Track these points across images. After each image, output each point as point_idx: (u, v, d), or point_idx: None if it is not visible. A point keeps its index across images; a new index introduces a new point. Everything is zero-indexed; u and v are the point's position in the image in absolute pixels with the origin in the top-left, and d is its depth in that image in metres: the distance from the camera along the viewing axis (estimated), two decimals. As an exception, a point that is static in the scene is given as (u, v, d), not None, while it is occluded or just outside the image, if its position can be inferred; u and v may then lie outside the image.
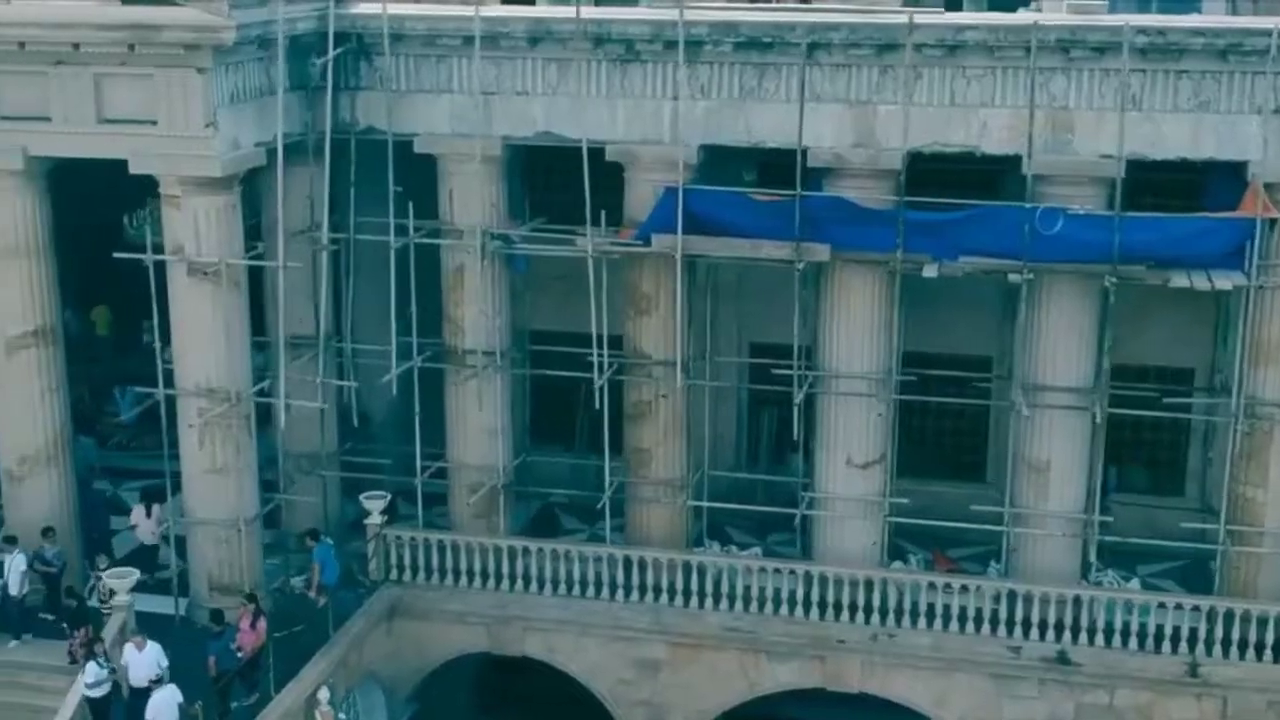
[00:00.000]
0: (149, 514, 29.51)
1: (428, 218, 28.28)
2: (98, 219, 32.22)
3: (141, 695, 23.31)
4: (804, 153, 26.24)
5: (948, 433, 31.60)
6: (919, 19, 25.02)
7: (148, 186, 28.35)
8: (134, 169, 25.59)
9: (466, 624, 28.72)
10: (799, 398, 27.07)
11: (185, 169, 25.27)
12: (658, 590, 28.17)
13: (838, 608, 27.53)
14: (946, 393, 29.07)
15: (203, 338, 26.13)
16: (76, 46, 24.82)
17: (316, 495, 29.41)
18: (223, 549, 27.00)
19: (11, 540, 26.88)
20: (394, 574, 28.86)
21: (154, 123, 25.19)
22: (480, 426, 29.11)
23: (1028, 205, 25.36)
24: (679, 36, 25.68)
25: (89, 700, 23.45)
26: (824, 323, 27.54)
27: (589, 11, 26.18)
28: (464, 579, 28.75)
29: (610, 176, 28.01)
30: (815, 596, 27.58)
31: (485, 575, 28.69)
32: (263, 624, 24.40)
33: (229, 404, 26.24)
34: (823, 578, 27.59)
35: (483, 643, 28.85)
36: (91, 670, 23.40)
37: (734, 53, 26.26)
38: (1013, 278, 25.81)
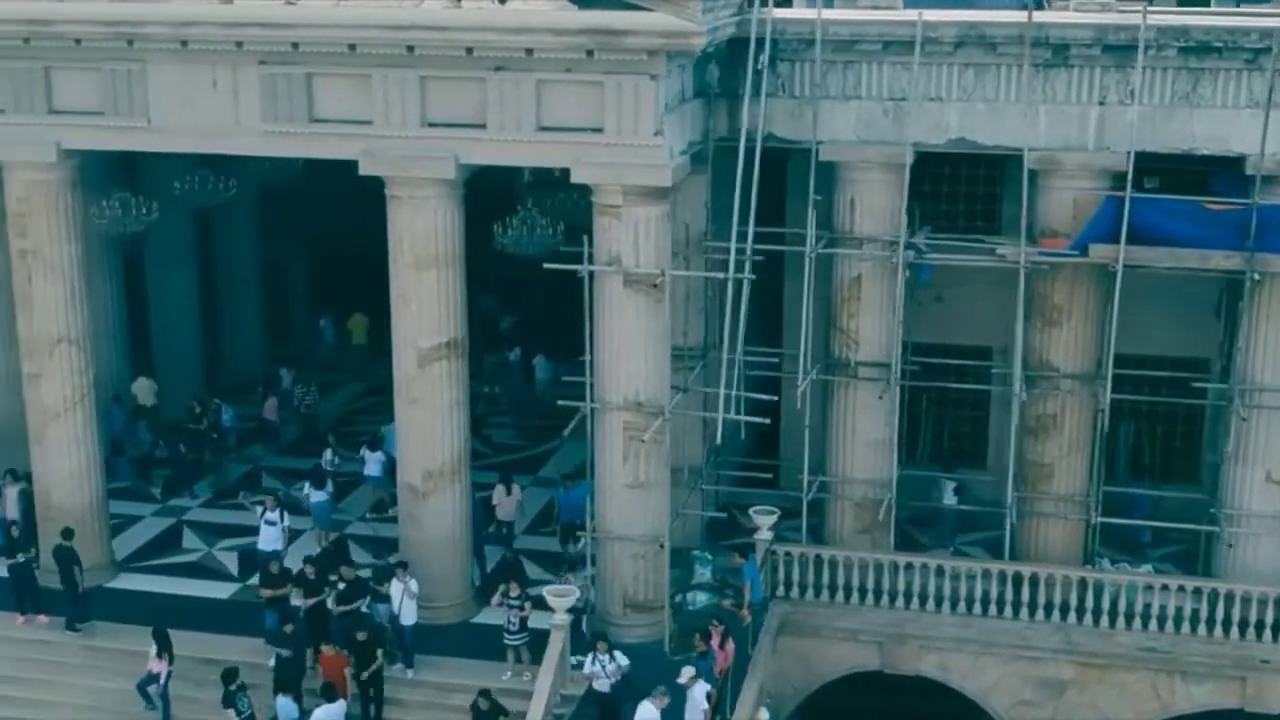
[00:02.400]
0: (509, 492, 29.52)
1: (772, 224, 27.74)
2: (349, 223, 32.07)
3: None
4: (1241, 160, 25.65)
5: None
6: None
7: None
8: (576, 178, 24.84)
9: (859, 642, 27.99)
10: (1241, 410, 26.36)
11: (632, 178, 24.49)
12: (1064, 609, 27.47)
13: (1259, 627, 26.81)
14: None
15: (635, 350, 25.36)
16: (529, 52, 24.02)
17: (698, 508, 28.99)
18: (639, 565, 26.32)
19: (403, 565, 26.28)
20: (780, 590, 28.23)
21: (599, 130, 24.39)
22: (867, 440, 28.41)
23: None
24: (1139, 40, 24.91)
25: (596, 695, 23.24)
26: (1249, 335, 26.75)
27: (1038, 16, 25.46)
28: (854, 596, 28.10)
29: (992, 184, 27.68)
30: (1236, 616, 26.84)
31: (878, 592, 28.02)
32: (731, 645, 23.72)
33: (660, 418, 25.56)
34: (1245, 597, 26.85)
35: (874, 661, 28.11)
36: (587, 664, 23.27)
37: (1176, 57, 25.52)
38: None
